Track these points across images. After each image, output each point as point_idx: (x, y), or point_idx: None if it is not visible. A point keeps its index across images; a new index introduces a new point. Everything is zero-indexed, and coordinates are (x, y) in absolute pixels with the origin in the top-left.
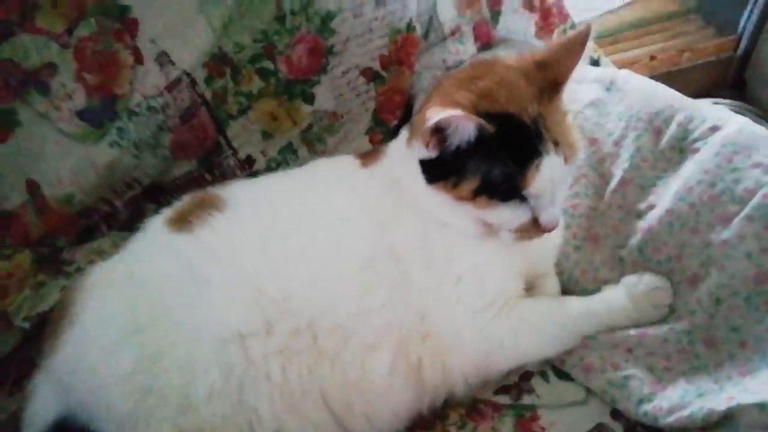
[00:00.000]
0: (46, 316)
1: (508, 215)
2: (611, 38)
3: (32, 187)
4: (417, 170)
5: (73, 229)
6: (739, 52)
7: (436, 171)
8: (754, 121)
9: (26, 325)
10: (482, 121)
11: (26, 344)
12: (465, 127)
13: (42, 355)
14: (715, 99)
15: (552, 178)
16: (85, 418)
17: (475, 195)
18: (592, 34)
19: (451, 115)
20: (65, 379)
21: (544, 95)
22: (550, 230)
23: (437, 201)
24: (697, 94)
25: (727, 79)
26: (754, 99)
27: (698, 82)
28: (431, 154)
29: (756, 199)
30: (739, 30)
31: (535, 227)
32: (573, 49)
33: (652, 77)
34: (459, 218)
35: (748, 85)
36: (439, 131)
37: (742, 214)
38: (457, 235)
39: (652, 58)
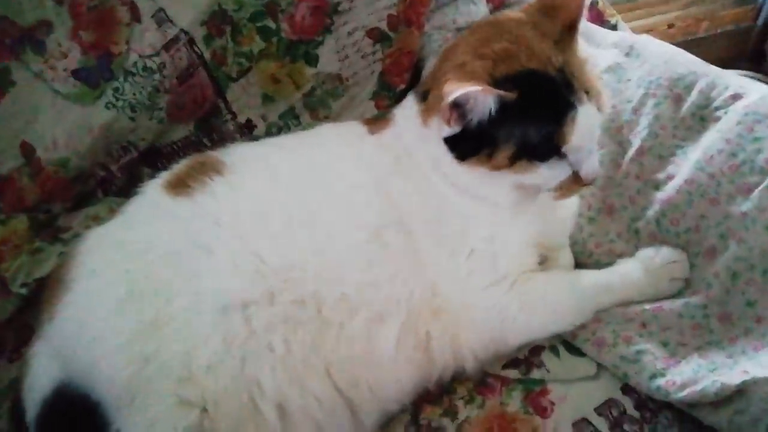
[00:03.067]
0: (44, 282)
1: (549, 174)
2: (628, 4)
3: (27, 151)
4: (439, 147)
5: (68, 194)
6: (759, 22)
7: (466, 146)
8: None
9: (24, 291)
10: (501, 92)
11: (24, 311)
12: (484, 100)
13: (40, 322)
14: (734, 71)
15: (589, 129)
16: (85, 386)
17: (513, 161)
18: None
19: (468, 91)
20: (63, 346)
21: (561, 42)
22: (591, 182)
23: (470, 176)
24: (716, 65)
25: (747, 51)
26: None
27: (716, 53)
28: (454, 129)
29: None
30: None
31: (575, 181)
32: None
33: None
34: (496, 188)
35: (767, 57)
36: (458, 107)
37: (763, 185)
38: (471, 208)
39: (670, 26)
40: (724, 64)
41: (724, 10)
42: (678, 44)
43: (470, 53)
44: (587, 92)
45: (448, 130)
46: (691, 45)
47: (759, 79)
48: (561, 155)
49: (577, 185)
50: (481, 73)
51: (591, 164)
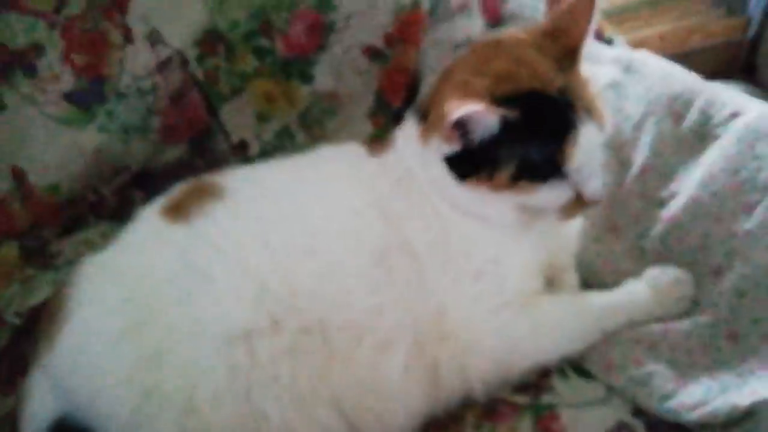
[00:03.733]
0: (37, 311)
1: (551, 194)
2: (619, 17)
3: (18, 175)
4: (439, 167)
5: (59, 218)
6: (749, 34)
7: (466, 165)
8: None
9: (17, 320)
10: (504, 111)
11: (18, 341)
12: (487, 120)
13: (36, 352)
14: (726, 83)
15: (591, 149)
16: (85, 419)
17: (514, 181)
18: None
19: (471, 110)
20: (63, 379)
21: (564, 65)
22: (596, 203)
23: (470, 196)
24: (707, 78)
25: (738, 63)
26: (764, 83)
27: (708, 65)
28: (454, 148)
29: None
30: (749, 11)
31: (579, 202)
32: (582, 10)
33: None
34: (497, 209)
35: (759, 69)
36: (460, 125)
37: (765, 202)
38: (476, 229)
39: (661, 39)
40: (716, 76)
41: (715, 22)
42: (669, 57)
43: (470, 72)
44: (589, 112)
45: (448, 150)
46: (683, 58)
47: (751, 92)
48: (563, 175)
49: (581, 206)
50: (481, 92)
51: (595, 184)
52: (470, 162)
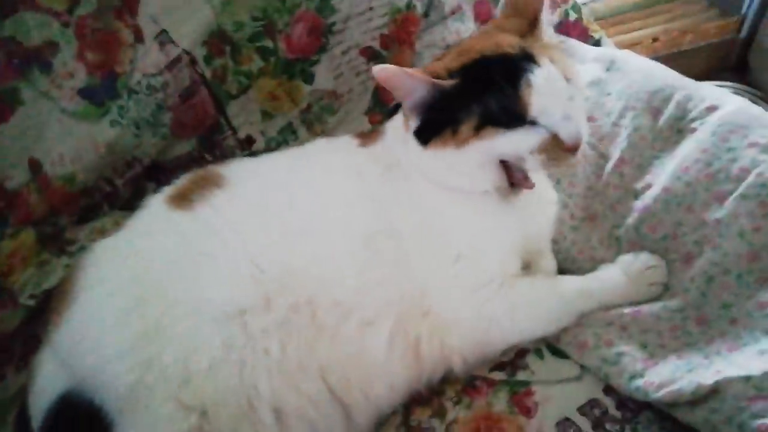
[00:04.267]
0: (50, 294)
1: (522, 139)
2: (613, 19)
3: (34, 166)
4: (414, 144)
5: (75, 208)
6: (742, 34)
7: (428, 131)
8: (757, 105)
9: (31, 302)
10: (433, 80)
11: (31, 322)
12: (417, 86)
13: (46, 331)
14: (719, 82)
15: (553, 89)
16: (90, 393)
17: (479, 131)
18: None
19: (389, 70)
20: (69, 354)
21: (526, 35)
22: (576, 147)
23: (442, 164)
24: (700, 77)
25: (731, 62)
26: (756, 82)
27: (701, 65)
28: (417, 121)
29: (750, 178)
30: (743, 12)
31: (559, 146)
32: None
33: (655, 59)
34: (473, 170)
35: (751, 68)
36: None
37: (737, 192)
38: (456, 213)
39: (655, 39)
40: (709, 76)
41: (708, 22)
42: (663, 57)
43: (442, 60)
44: (550, 59)
45: (414, 124)
46: (676, 58)
47: (744, 90)
48: (531, 121)
49: (563, 151)
50: (436, 69)
51: (570, 127)
52: (433, 129)
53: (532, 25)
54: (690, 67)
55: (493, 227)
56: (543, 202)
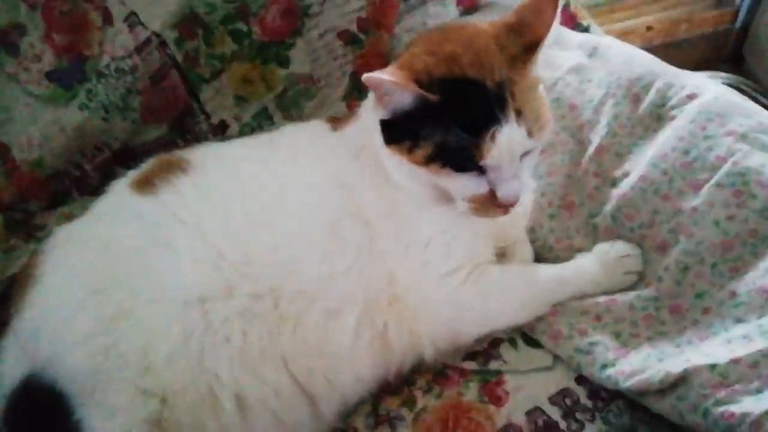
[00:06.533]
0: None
1: (464, 185)
2: (607, 7)
3: (2, 151)
4: (378, 130)
5: (44, 193)
6: (737, 25)
7: (395, 133)
8: (751, 96)
9: None
10: (420, 91)
11: None
12: (402, 93)
13: (9, 316)
14: (713, 72)
15: (510, 150)
16: (51, 378)
17: (429, 161)
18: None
19: (383, 79)
20: (29, 339)
21: (517, 61)
22: (507, 206)
23: (395, 163)
24: (694, 68)
25: (726, 53)
26: (751, 73)
27: (695, 56)
28: (382, 115)
29: (726, 167)
30: (738, 2)
31: (491, 203)
32: (544, 7)
33: (648, 49)
34: (415, 183)
35: (746, 59)
36: (379, 92)
37: (712, 181)
38: (423, 198)
39: (649, 28)
40: (703, 66)
41: (703, 12)
42: (657, 47)
43: (424, 48)
44: (520, 114)
45: (381, 114)
46: (671, 48)
47: (738, 81)
48: (480, 170)
49: (493, 206)
50: (419, 68)
51: (510, 188)
52: (399, 131)
53: (528, 50)
54: (684, 57)
55: (464, 212)
56: None
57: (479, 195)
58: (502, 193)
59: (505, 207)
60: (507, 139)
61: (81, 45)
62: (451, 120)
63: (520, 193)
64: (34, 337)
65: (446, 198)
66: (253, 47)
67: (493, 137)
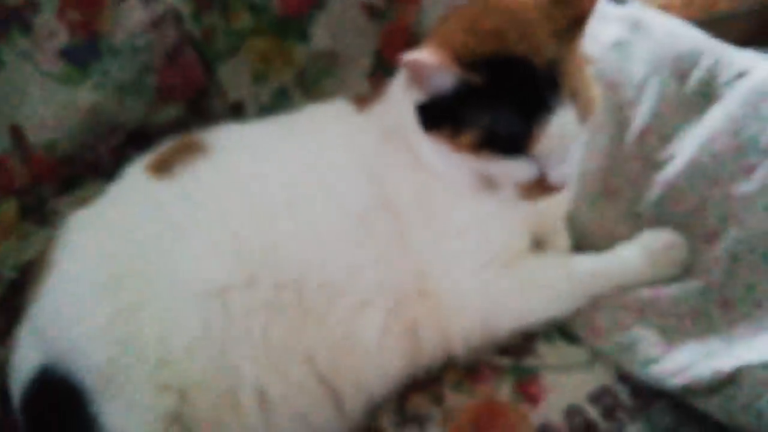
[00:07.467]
0: (32, 265)
1: (513, 170)
2: None
3: (16, 133)
4: (413, 113)
5: (58, 177)
6: None
7: (432, 116)
8: None
9: (13, 273)
10: (464, 73)
11: (14, 294)
12: (443, 75)
13: (26, 303)
14: (756, 52)
15: (562, 138)
16: (67, 369)
17: (476, 147)
18: None
19: (425, 60)
20: (45, 328)
21: (564, 36)
22: (557, 191)
23: (431, 148)
24: (736, 46)
25: None
26: None
27: (736, 33)
28: (418, 97)
29: None
30: None
31: (541, 186)
32: None
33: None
34: (455, 169)
35: None
36: (418, 74)
37: (765, 164)
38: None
39: (688, 3)
40: (745, 43)
41: None
42: (696, 23)
43: (461, 24)
44: (573, 97)
45: (417, 96)
46: (710, 23)
47: None
48: (529, 155)
49: (543, 190)
50: (460, 47)
51: (561, 172)
52: (438, 116)
53: (574, 24)
54: (726, 34)
55: (500, 200)
56: None
57: (532, 179)
58: (553, 177)
59: (555, 189)
60: (559, 127)
61: (95, 21)
62: (499, 104)
63: (569, 177)
64: (50, 325)
65: (487, 184)
66: (272, 22)
67: (545, 126)
